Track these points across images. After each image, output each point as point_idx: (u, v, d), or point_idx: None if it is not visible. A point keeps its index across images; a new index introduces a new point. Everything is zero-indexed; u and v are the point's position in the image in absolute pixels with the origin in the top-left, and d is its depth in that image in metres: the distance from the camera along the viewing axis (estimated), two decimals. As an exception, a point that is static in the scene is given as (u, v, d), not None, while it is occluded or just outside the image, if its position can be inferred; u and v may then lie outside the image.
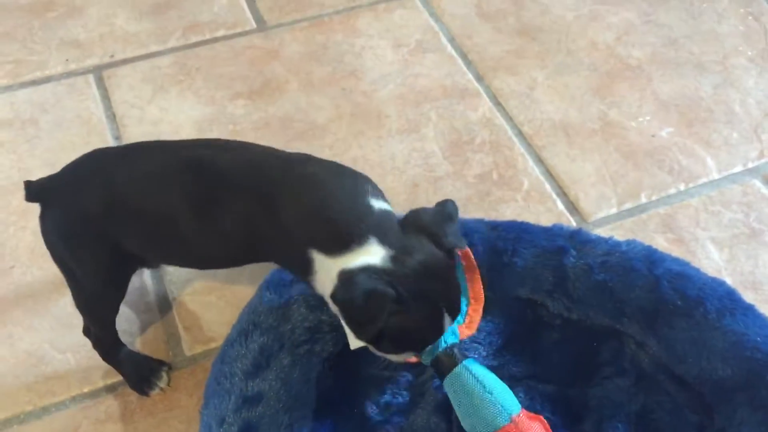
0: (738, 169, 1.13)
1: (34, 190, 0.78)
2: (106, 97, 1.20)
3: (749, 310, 0.82)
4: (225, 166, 0.75)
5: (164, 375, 0.87)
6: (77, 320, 0.93)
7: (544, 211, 1.07)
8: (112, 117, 1.17)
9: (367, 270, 0.69)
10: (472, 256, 0.81)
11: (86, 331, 0.88)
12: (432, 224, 0.73)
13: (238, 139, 1.13)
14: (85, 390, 0.88)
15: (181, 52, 1.27)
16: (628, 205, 1.08)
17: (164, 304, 0.95)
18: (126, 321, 0.94)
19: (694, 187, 1.11)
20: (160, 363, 0.88)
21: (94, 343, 0.87)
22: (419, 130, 1.17)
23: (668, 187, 1.10)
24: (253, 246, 0.76)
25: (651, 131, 1.17)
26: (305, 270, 0.73)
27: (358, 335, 0.70)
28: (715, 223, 1.06)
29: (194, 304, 0.96)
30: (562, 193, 1.10)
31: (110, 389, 0.88)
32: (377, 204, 0.73)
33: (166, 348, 0.91)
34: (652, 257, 0.87)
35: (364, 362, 0.87)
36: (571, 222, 1.06)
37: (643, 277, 0.85)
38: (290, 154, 0.79)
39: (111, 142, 1.13)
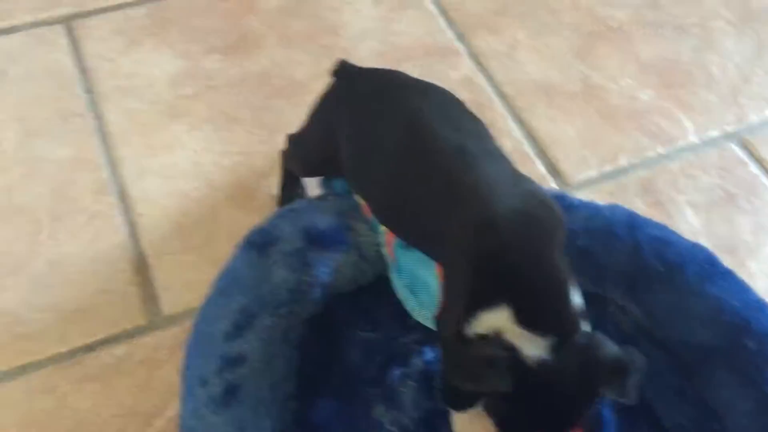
0: (716, 133, 1.14)
1: (343, 71, 0.85)
2: (76, 49, 1.16)
3: (728, 275, 0.83)
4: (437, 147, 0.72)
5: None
6: (54, 279, 0.92)
7: (525, 173, 1.06)
8: (83, 70, 1.13)
9: (514, 356, 0.63)
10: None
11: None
12: (601, 367, 0.64)
13: (214, 95, 1.11)
14: (63, 350, 0.87)
15: (154, 3, 1.22)
16: (608, 168, 1.08)
17: (141, 264, 0.94)
18: (102, 280, 0.92)
19: (673, 150, 1.11)
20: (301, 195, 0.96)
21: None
22: (400, 89, 1.15)
23: (648, 150, 1.11)
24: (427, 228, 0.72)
25: (631, 94, 1.17)
26: (474, 304, 0.66)
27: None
28: (693, 187, 1.07)
29: (172, 263, 0.94)
30: (543, 155, 1.09)
31: (88, 349, 0.87)
32: (579, 301, 0.67)
33: (145, 308, 0.90)
34: (633, 222, 0.87)
35: (346, 324, 0.88)
36: (552, 185, 1.06)
37: (623, 243, 0.86)
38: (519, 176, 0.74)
39: (82, 96, 1.10)
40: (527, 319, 0.64)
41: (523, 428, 0.66)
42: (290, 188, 0.97)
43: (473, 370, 0.63)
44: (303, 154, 0.89)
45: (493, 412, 0.68)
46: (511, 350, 0.63)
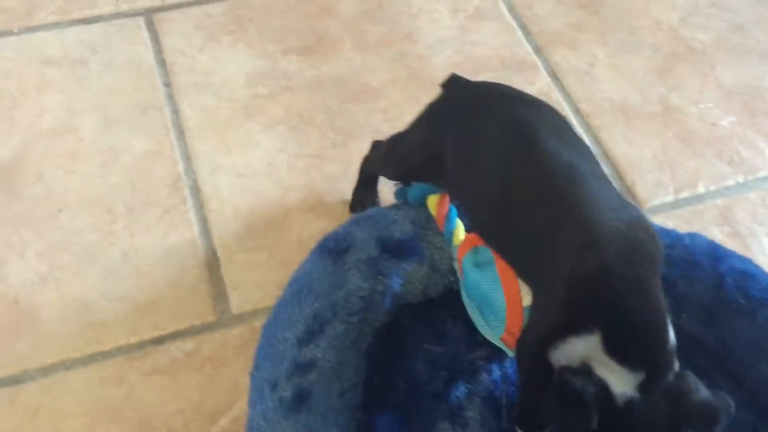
0: (798, 164, 1.10)
1: (453, 83, 0.84)
2: (156, 42, 1.17)
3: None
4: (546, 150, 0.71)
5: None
6: (126, 270, 0.92)
7: (600, 194, 1.05)
8: (162, 63, 1.14)
9: (603, 390, 0.61)
10: None
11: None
12: (690, 411, 0.62)
13: (290, 95, 1.11)
14: (132, 341, 0.87)
15: (234, 1, 1.23)
16: (685, 194, 1.06)
17: (213, 261, 0.94)
18: (173, 274, 0.93)
19: (753, 180, 1.08)
20: (374, 201, 0.97)
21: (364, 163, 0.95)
22: (474, 100, 1.14)
23: (727, 178, 1.08)
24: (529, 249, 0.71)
25: (712, 119, 1.14)
26: (563, 329, 0.65)
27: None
28: (771, 218, 1.04)
29: (243, 262, 0.94)
30: (618, 177, 1.07)
31: (157, 342, 0.87)
32: (672, 338, 0.65)
33: (213, 305, 0.91)
34: (716, 253, 0.85)
35: (413, 336, 0.87)
36: (627, 207, 1.03)
37: (706, 273, 0.84)
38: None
39: (161, 89, 1.11)
40: (619, 351, 0.62)
41: None
42: (365, 194, 0.97)
43: (560, 406, 0.62)
44: (401, 157, 0.88)
45: None
46: (601, 385, 0.61)
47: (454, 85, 0.84)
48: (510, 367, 0.85)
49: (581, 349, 0.63)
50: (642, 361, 0.62)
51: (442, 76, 1.17)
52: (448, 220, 0.84)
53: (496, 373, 0.84)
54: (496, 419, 0.81)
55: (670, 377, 0.63)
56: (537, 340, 0.67)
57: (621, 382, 0.62)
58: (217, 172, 1.03)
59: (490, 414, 0.81)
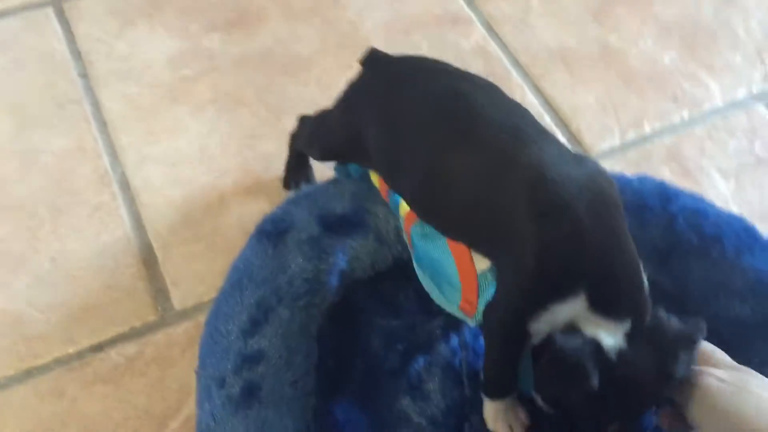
0: (742, 94, 1.08)
1: (372, 59, 0.80)
2: (68, 32, 1.10)
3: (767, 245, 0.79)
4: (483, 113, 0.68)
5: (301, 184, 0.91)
6: (57, 277, 0.87)
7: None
8: (76, 54, 1.08)
9: (596, 349, 0.60)
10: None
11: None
12: (671, 344, 0.62)
13: (216, 75, 1.06)
14: (70, 351, 0.82)
15: (148, -19, 1.17)
16: (631, 135, 1.03)
17: (148, 257, 0.89)
18: (108, 276, 0.88)
19: (698, 114, 1.06)
20: (308, 177, 0.92)
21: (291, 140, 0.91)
22: (409, 61, 1.10)
23: (672, 115, 1.06)
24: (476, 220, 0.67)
25: (653, 57, 1.12)
26: (541, 296, 0.62)
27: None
28: (720, 151, 1.02)
29: (181, 255, 0.90)
30: (563, 125, 1.04)
31: (96, 349, 0.83)
32: (645, 280, 0.64)
33: (154, 303, 0.86)
34: (666, 193, 0.83)
35: (366, 312, 0.83)
36: (574, 155, 1.01)
37: (657, 215, 0.81)
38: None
39: (77, 81, 1.05)
40: (604, 305, 0.61)
41: (599, 421, 0.64)
42: (297, 170, 0.92)
43: (559, 374, 0.61)
44: (323, 140, 0.84)
45: (564, 408, 0.64)
46: (594, 344, 0.60)
47: (373, 61, 0.79)
48: (468, 333, 0.82)
49: (566, 313, 0.61)
50: (626, 311, 0.62)
51: (375, 39, 1.13)
52: (390, 191, 0.80)
53: (454, 341, 0.81)
54: (458, 388, 0.78)
55: (651, 320, 0.63)
56: (512, 312, 0.64)
57: (610, 336, 0.61)
58: (145, 162, 0.97)
59: (452, 384, 0.78)
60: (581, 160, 0.67)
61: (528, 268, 0.62)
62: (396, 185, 0.76)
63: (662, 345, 0.62)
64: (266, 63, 1.08)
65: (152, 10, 1.13)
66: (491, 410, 0.73)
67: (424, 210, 0.74)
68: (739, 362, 0.77)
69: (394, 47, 1.11)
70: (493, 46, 1.12)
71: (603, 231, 0.62)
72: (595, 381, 0.59)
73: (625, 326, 0.61)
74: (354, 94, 0.79)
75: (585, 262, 0.61)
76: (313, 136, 0.86)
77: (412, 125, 0.71)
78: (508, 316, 0.65)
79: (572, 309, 0.61)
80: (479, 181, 0.66)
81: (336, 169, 0.88)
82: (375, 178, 0.83)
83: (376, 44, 1.11)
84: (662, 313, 0.64)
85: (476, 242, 0.70)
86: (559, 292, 0.61)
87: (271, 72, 1.07)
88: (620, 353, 0.61)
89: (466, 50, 1.12)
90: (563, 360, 0.60)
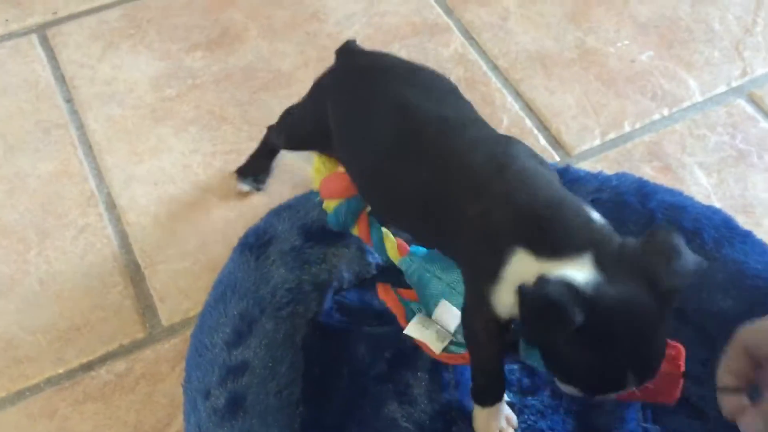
0: (722, 89, 1.09)
1: (346, 51, 0.82)
2: (53, 58, 1.12)
3: (747, 237, 0.80)
4: (425, 119, 0.70)
5: (257, 185, 0.95)
6: (45, 299, 0.88)
7: (526, 148, 1.02)
8: (61, 79, 1.09)
9: (566, 285, 0.58)
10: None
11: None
12: (652, 259, 0.59)
13: (198, 93, 1.07)
14: (60, 371, 0.83)
15: (129, 4, 1.18)
16: (612, 135, 1.04)
17: (135, 275, 0.90)
18: (96, 295, 0.88)
19: (677, 111, 1.07)
20: (265, 175, 0.95)
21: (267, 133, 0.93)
22: (390, 71, 1.11)
23: (652, 113, 1.06)
24: (433, 216, 0.69)
25: (631, 56, 1.13)
26: (492, 267, 0.62)
27: (527, 335, 0.64)
28: (701, 147, 1.03)
29: (167, 272, 0.90)
30: (544, 128, 1.05)
31: (86, 368, 0.83)
32: (598, 217, 0.63)
33: (142, 320, 0.87)
34: (643, 189, 0.84)
35: (352, 320, 0.84)
36: (555, 157, 1.02)
37: (636, 212, 0.82)
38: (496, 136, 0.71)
39: (62, 106, 1.06)
40: (552, 248, 0.60)
41: (615, 375, 0.61)
42: (258, 163, 0.95)
43: (539, 319, 0.58)
44: (291, 127, 0.87)
45: (573, 381, 0.63)
46: (562, 282, 0.58)
47: (347, 53, 0.82)
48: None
49: (519, 273, 0.60)
50: (578, 244, 0.59)
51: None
52: (371, 230, 0.80)
53: (440, 345, 0.82)
54: (445, 392, 0.79)
55: (618, 247, 0.60)
56: (479, 301, 0.64)
57: (576, 271, 0.58)
58: (131, 183, 0.98)
59: (438, 388, 0.79)
60: (499, 137, 0.70)
61: (476, 256, 0.64)
62: (354, 179, 0.77)
63: (643, 264, 0.59)
64: (248, 80, 1.10)
65: (134, 31, 1.15)
66: (482, 417, 0.74)
67: (378, 205, 0.76)
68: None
69: (374, 58, 1.13)
70: (473, 53, 1.13)
71: (520, 181, 0.64)
72: (577, 316, 0.57)
73: (587, 259, 0.59)
74: (319, 84, 0.82)
75: (515, 220, 0.62)
76: (281, 124, 0.89)
77: (364, 120, 0.73)
78: (478, 307, 0.66)
79: (521, 266, 0.60)
80: (420, 175, 0.68)
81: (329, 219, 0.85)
82: (354, 230, 0.82)
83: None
84: (626, 238, 0.61)
85: (436, 242, 0.72)
86: (501, 259, 0.61)
87: (253, 88, 1.08)
88: (598, 286, 0.58)
89: (445, 58, 1.13)
90: (537, 305, 0.58)
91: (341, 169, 0.80)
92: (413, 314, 0.77)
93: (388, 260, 0.80)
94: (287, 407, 0.74)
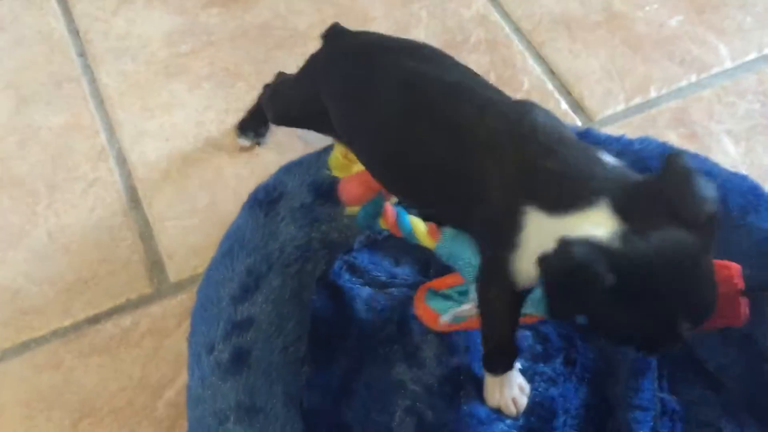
0: (753, 56, 1.05)
1: (334, 34, 0.79)
2: (67, 11, 1.10)
3: (774, 205, 0.76)
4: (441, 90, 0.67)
5: (257, 139, 0.94)
6: (53, 251, 0.88)
7: (547, 112, 0.99)
8: (75, 32, 1.08)
9: (589, 244, 0.53)
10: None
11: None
12: (676, 194, 0.55)
13: (213, 50, 1.05)
14: (66, 323, 0.83)
15: (145, -42, 1.16)
16: (637, 101, 1.01)
17: (145, 231, 0.89)
18: (104, 249, 0.88)
19: (706, 77, 1.03)
20: (265, 128, 0.94)
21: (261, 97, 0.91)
22: (409, 31, 1.08)
23: (679, 79, 1.03)
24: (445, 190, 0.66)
25: (659, 20, 1.09)
26: (508, 234, 0.59)
27: (552, 313, 0.59)
28: (729, 115, 0.99)
29: (177, 228, 0.89)
30: (566, 92, 1.02)
31: (92, 321, 0.83)
32: (611, 159, 0.59)
33: (150, 276, 0.86)
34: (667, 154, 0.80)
35: (363, 281, 0.82)
36: (576, 122, 0.98)
37: (658, 175, 0.79)
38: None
39: (75, 59, 1.05)
40: (565, 202, 0.56)
41: (665, 328, 0.55)
42: (257, 120, 0.93)
43: (569, 288, 0.54)
44: (282, 106, 0.85)
45: (624, 343, 0.60)
46: (584, 241, 0.54)
47: (335, 36, 0.79)
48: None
49: (537, 238, 0.57)
50: (593, 192, 0.56)
51: (373, 11, 1.12)
52: (400, 223, 0.77)
53: (452, 308, 0.80)
54: (455, 356, 0.77)
55: (635, 186, 0.57)
56: (497, 271, 0.62)
57: (596, 225, 0.54)
58: (142, 138, 0.97)
59: (448, 351, 0.77)
60: (515, 102, 0.67)
61: (493, 224, 0.61)
62: (362, 157, 0.74)
63: (667, 197, 0.54)
64: (264, 37, 1.07)
65: (149, -13, 1.13)
66: (493, 385, 0.72)
67: (391, 181, 0.73)
68: (746, 325, 0.75)
69: (393, 18, 1.10)
70: (495, 14, 1.10)
71: (527, 143, 0.60)
72: (608, 277, 0.52)
73: (605, 207, 0.55)
74: (315, 65, 0.79)
75: (533, 180, 0.59)
76: (273, 100, 0.87)
77: (370, 100, 0.70)
78: (502, 283, 0.63)
79: (537, 228, 0.57)
80: (435, 146, 0.66)
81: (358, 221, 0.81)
82: (382, 223, 0.79)
83: (375, 16, 1.11)
84: (631, 172, 0.57)
85: (452, 215, 0.69)
86: (516, 220, 0.58)
87: (269, 46, 1.06)
88: (623, 237, 0.53)
89: (466, 19, 1.10)
90: (562, 276, 0.54)
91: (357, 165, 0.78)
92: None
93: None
94: (292, 364, 0.73)
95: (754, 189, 0.79)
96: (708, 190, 0.55)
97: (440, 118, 0.66)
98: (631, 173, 0.58)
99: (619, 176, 0.58)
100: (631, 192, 0.56)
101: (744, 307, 0.62)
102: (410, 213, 0.77)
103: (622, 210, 0.55)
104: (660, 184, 0.56)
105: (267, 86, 0.90)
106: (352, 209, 0.77)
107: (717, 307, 0.57)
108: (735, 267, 0.63)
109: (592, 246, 0.54)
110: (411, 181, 0.70)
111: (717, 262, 0.59)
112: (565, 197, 0.57)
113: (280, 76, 0.89)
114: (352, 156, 0.78)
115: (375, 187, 0.75)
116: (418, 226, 0.77)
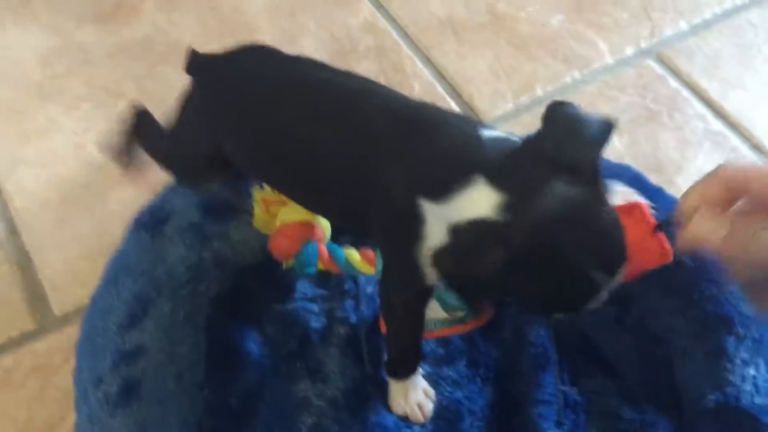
0: (631, 50, 1.09)
1: (197, 63, 0.72)
2: (-71, 36, 1.03)
3: (658, 192, 0.78)
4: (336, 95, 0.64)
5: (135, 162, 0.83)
6: None
7: (438, 115, 1.00)
8: (-61, 58, 1.01)
9: (477, 225, 0.52)
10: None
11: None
12: (556, 147, 0.53)
13: (91, 69, 1.01)
14: (-59, 368, 0.77)
15: (14, -23, 1.11)
16: (524, 99, 1.02)
17: (25, 263, 0.84)
18: (-20, 286, 0.82)
19: (588, 73, 1.06)
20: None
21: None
22: (297, 42, 1.07)
23: (563, 76, 1.05)
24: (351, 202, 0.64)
25: (541, 20, 1.11)
26: (413, 230, 0.57)
27: (470, 306, 0.58)
28: (613, 108, 1.02)
29: (60, 258, 0.84)
30: (456, 94, 1.03)
31: (-29, 364, 0.77)
32: (487, 132, 0.57)
33: (31, 310, 0.81)
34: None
35: (260, 298, 0.80)
36: (467, 123, 0.99)
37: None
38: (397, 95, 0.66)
39: (-58, 87, 0.98)
40: (440, 186, 0.55)
41: (580, 285, 0.53)
42: (130, 141, 0.82)
43: (465, 274, 0.53)
44: (182, 166, 0.77)
45: (545, 310, 0.58)
46: (468, 222, 0.53)
47: (200, 65, 0.73)
48: (366, 310, 0.79)
49: (435, 230, 0.55)
50: (462, 170, 0.54)
51: (260, 22, 1.10)
52: (335, 258, 0.76)
53: (353, 317, 0.78)
54: (358, 367, 0.75)
55: (512, 151, 0.55)
56: (404, 271, 0.61)
57: (477, 203, 0.53)
58: (18, 166, 0.92)
59: (351, 363, 0.75)
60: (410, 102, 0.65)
61: (389, 218, 0.60)
62: (276, 183, 0.72)
63: (547, 152, 0.53)
64: (145, 53, 1.04)
65: (21, 7, 1.07)
66: (398, 391, 0.71)
67: (307, 199, 0.70)
68: (638, 312, 0.76)
69: (280, 30, 1.09)
70: (382, 21, 1.10)
71: (415, 139, 0.59)
72: (497, 252, 0.51)
73: (481, 183, 0.53)
74: (193, 107, 0.72)
75: (408, 172, 0.58)
76: (170, 161, 0.78)
77: (270, 118, 0.66)
78: (408, 283, 0.62)
79: (433, 220, 0.55)
80: (337, 158, 0.63)
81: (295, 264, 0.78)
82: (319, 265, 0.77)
83: (262, 28, 1.09)
84: (509, 137, 0.56)
85: (355, 219, 0.67)
86: (416, 216, 0.57)
87: (151, 62, 1.03)
88: (507, 206, 0.52)
89: (354, 27, 1.09)
90: (455, 265, 0.53)
91: (282, 212, 0.76)
92: None
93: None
94: (189, 390, 0.70)
95: (637, 177, 0.81)
96: (590, 129, 0.54)
97: (342, 123, 0.63)
98: (511, 141, 0.57)
99: (494, 147, 0.56)
100: (509, 160, 0.54)
101: (664, 241, 0.59)
102: (344, 247, 0.76)
103: (500, 181, 0.53)
104: (540, 141, 0.54)
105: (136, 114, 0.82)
106: (288, 263, 0.76)
107: (639, 248, 0.56)
108: (642, 204, 0.61)
109: (476, 226, 0.53)
110: (324, 194, 0.67)
111: (623, 204, 0.58)
112: (445, 182, 0.55)
113: (137, 110, 0.81)
114: (273, 209, 0.76)
115: (302, 236, 0.74)
116: (352, 255, 0.76)
